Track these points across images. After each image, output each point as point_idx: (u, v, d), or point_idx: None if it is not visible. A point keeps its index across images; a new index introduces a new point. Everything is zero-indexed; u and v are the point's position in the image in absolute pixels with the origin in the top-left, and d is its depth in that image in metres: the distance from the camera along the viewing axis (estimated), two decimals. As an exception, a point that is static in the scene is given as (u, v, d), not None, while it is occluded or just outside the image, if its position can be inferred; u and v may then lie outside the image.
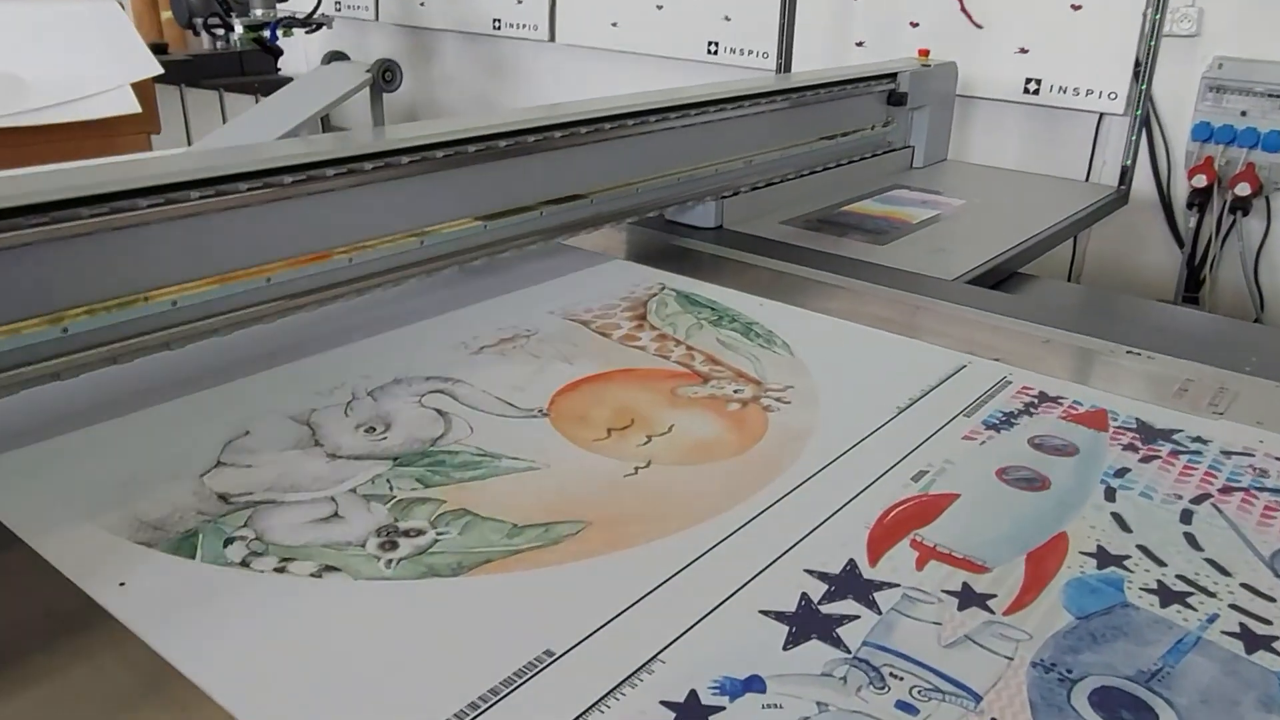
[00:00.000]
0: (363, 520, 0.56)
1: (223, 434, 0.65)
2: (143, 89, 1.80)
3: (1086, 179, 1.60)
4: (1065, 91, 1.57)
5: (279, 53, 2.39)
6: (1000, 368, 0.77)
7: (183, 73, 2.29)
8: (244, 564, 0.52)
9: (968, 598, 0.51)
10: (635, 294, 0.91)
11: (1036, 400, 0.72)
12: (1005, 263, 1.12)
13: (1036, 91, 1.60)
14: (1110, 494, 0.61)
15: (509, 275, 0.94)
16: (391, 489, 0.59)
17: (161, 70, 1.75)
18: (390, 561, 0.52)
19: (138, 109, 1.74)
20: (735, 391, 0.72)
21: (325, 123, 2.43)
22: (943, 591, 0.51)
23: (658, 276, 0.96)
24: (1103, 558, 0.54)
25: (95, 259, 0.62)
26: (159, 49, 2.32)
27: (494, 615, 0.49)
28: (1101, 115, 1.57)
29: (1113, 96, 1.53)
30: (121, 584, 0.50)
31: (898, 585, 0.52)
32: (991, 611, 0.50)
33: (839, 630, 0.48)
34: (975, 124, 1.72)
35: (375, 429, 0.66)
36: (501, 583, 0.51)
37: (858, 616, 0.49)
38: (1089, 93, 1.55)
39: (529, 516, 0.57)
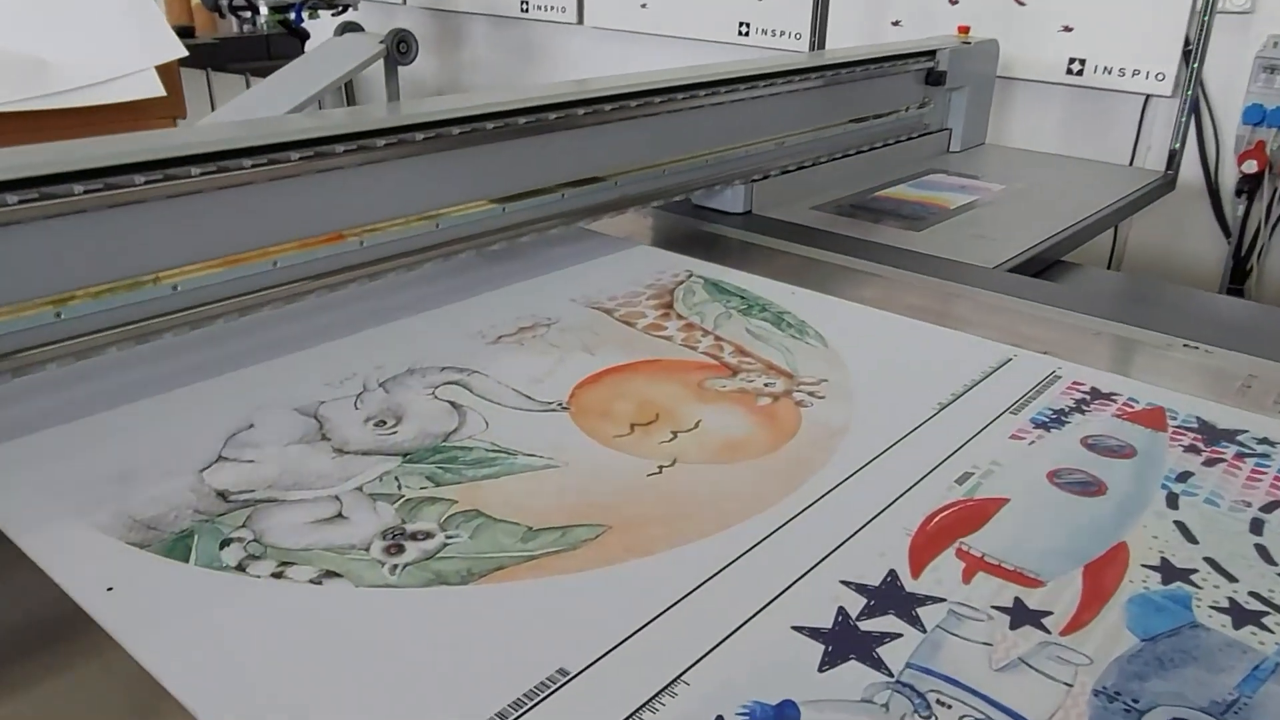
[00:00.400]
0: (368, 521, 0.53)
1: (225, 426, 0.61)
2: (167, 72, 1.78)
3: (1130, 163, 1.54)
4: (1110, 72, 1.51)
5: (305, 35, 2.37)
6: (1048, 361, 0.73)
7: (209, 56, 2.27)
8: (240, 568, 0.49)
9: (1020, 615, 0.47)
10: (661, 281, 0.87)
11: (1088, 397, 0.68)
12: (1047, 250, 1.08)
13: (1080, 72, 1.53)
14: (1173, 500, 0.56)
15: (528, 261, 0.91)
16: (400, 487, 0.56)
17: (185, 53, 1.73)
18: (395, 567, 0.49)
19: (162, 92, 1.71)
20: (766, 385, 0.68)
21: (350, 98, 2.40)
22: (993, 607, 0.47)
23: (684, 263, 0.92)
24: (1167, 571, 0.50)
25: (90, 238, 0.59)
26: (186, 32, 2.30)
27: (504, 628, 0.45)
28: (1148, 97, 1.51)
29: (1160, 78, 1.47)
30: (109, 589, 0.47)
31: (943, 600, 0.47)
32: (1047, 631, 0.46)
33: (880, 650, 0.44)
34: (1014, 106, 1.66)
35: (385, 422, 0.63)
36: (513, 592, 0.47)
37: (900, 635, 0.45)
38: (1135, 73, 1.49)
39: (545, 519, 0.53)
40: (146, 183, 0.60)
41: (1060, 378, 0.70)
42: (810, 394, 0.67)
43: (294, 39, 2.35)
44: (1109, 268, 1.55)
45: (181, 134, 0.65)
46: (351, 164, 0.71)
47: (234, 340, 0.71)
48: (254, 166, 0.65)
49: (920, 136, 1.39)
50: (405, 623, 0.45)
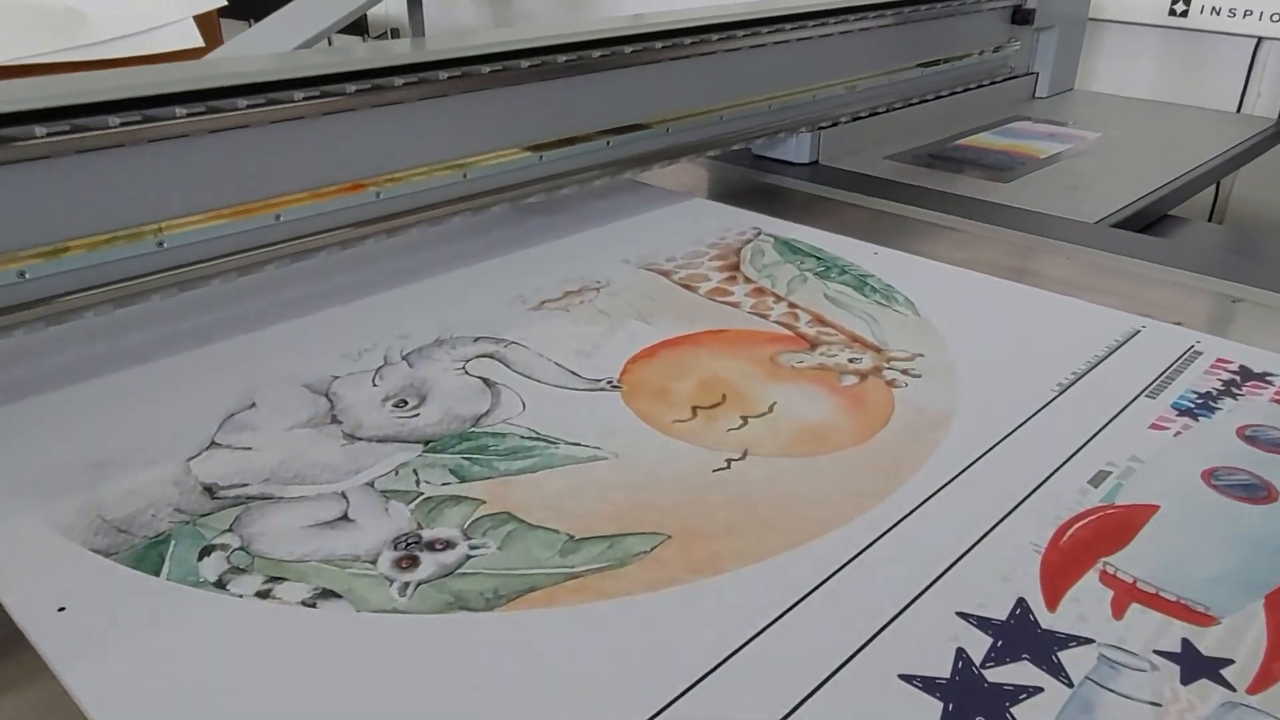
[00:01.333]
0: (377, 526, 0.44)
1: (223, 405, 0.53)
2: (207, 23, 1.72)
3: (1238, 110, 1.39)
4: (1219, 13, 1.36)
5: (352, -16, 2.27)
6: (1184, 334, 0.62)
7: (251, 7, 2.19)
8: (219, 584, 0.40)
9: (1193, 664, 0.37)
10: (726, 240, 0.77)
11: (1238, 377, 0.57)
12: (1154, 204, 0.95)
13: (1185, 13, 1.38)
14: (1365, 510, 0.45)
15: (571, 215, 0.81)
16: (418, 483, 0.47)
17: (224, 2, 1.67)
18: (406, 586, 0.40)
19: (200, 43, 1.66)
20: (850, 361, 0.58)
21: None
22: (1155, 653, 0.37)
23: (750, 219, 0.81)
24: (1373, 605, 0.40)
25: (60, 187, 0.50)
26: (229, -18, 2.22)
27: (535, 672, 0.36)
28: (1260, 39, 1.36)
29: (1276, 18, 1.32)
30: (61, 609, 0.38)
31: (1091, 641, 0.37)
32: (1231, 687, 0.35)
33: (1015, 711, 0.34)
34: (1102, 50, 1.51)
35: (406, 402, 0.54)
36: (548, 622, 0.38)
37: (1040, 689, 0.35)
38: (1247, 14, 1.33)
39: (590, 525, 0.44)
40: (123, 125, 0.51)
41: (1201, 354, 0.59)
42: (903, 372, 0.57)
43: (339, -12, 2.26)
44: (1209, 222, 1.41)
45: (164, 71, 0.56)
46: (366, 105, 0.61)
47: (234, 304, 0.63)
48: (250, 107, 0.56)
49: (1003, 81, 1.27)
50: (415, 660, 0.36)
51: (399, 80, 0.62)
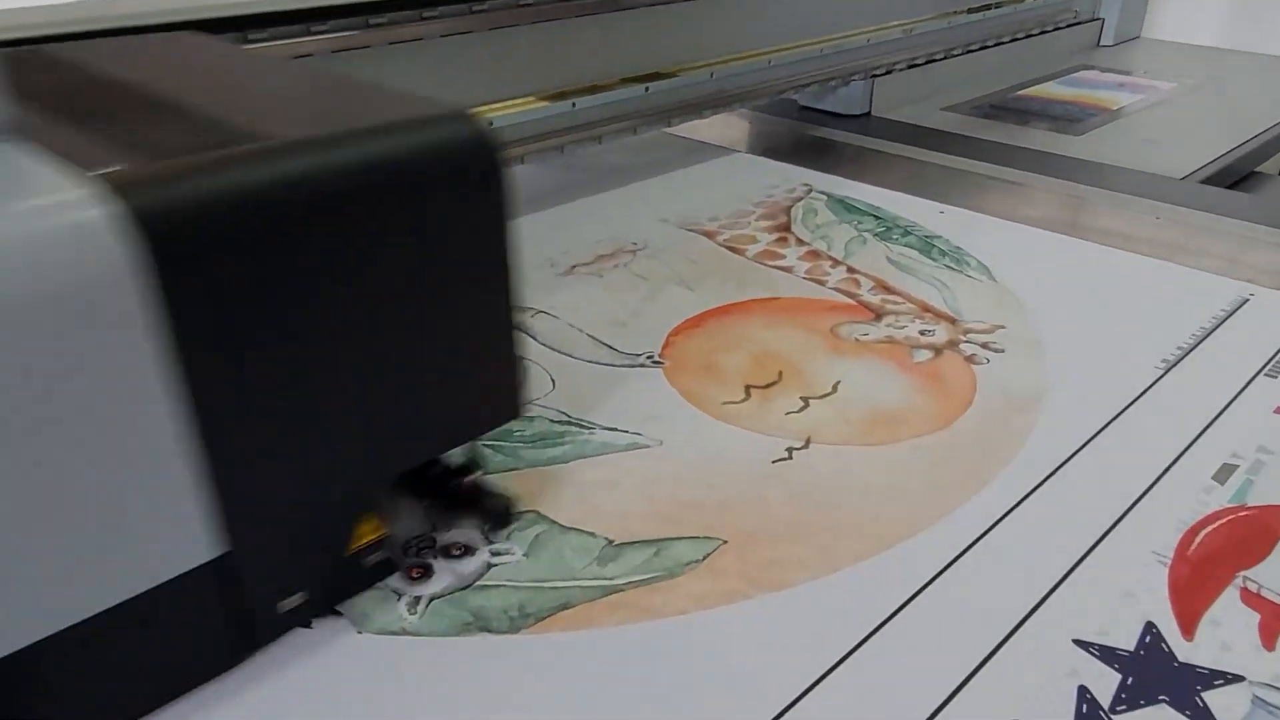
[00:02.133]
0: (385, 526, 0.38)
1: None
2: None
3: (1321, 58, 1.29)
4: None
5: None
6: (1303, 303, 0.55)
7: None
8: (202, 597, 0.34)
9: (1370, 709, 0.30)
10: (774, 198, 0.70)
11: (1373, 353, 0.49)
12: (1242, 159, 0.87)
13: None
14: None
15: (603, 170, 0.75)
16: (432, 474, 0.41)
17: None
18: (417, 601, 0.34)
19: None
20: (922, 333, 0.51)
21: None
22: (1320, 693, 0.31)
23: (799, 175, 0.74)
24: None
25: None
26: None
27: (568, 706, 0.30)
28: (1346, -23, 1.26)
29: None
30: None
31: (1241, 679, 0.31)
32: None
33: (1156, 767, 0.28)
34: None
35: (420, 378, 0.48)
36: (585, 647, 0.32)
37: (1184, 740, 0.29)
38: (1332, -53, 1.23)
39: (632, 527, 0.38)
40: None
41: (1326, 325, 0.52)
42: (983, 345, 0.50)
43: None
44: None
45: (146, 1, 0.50)
46: (380, 42, 0.54)
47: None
48: (251, 43, 0.49)
49: (1067, 27, 1.18)
50: (426, 691, 0.30)
51: (418, 14, 0.55)
